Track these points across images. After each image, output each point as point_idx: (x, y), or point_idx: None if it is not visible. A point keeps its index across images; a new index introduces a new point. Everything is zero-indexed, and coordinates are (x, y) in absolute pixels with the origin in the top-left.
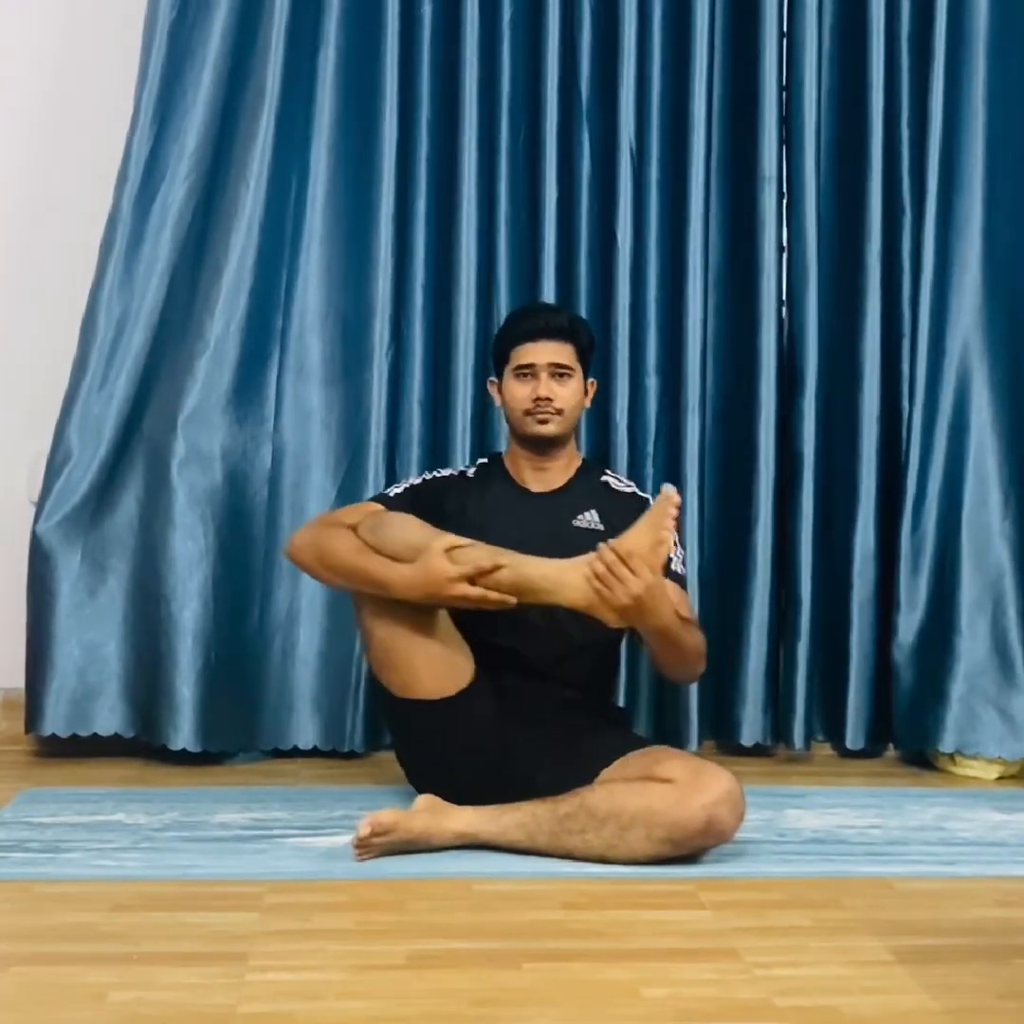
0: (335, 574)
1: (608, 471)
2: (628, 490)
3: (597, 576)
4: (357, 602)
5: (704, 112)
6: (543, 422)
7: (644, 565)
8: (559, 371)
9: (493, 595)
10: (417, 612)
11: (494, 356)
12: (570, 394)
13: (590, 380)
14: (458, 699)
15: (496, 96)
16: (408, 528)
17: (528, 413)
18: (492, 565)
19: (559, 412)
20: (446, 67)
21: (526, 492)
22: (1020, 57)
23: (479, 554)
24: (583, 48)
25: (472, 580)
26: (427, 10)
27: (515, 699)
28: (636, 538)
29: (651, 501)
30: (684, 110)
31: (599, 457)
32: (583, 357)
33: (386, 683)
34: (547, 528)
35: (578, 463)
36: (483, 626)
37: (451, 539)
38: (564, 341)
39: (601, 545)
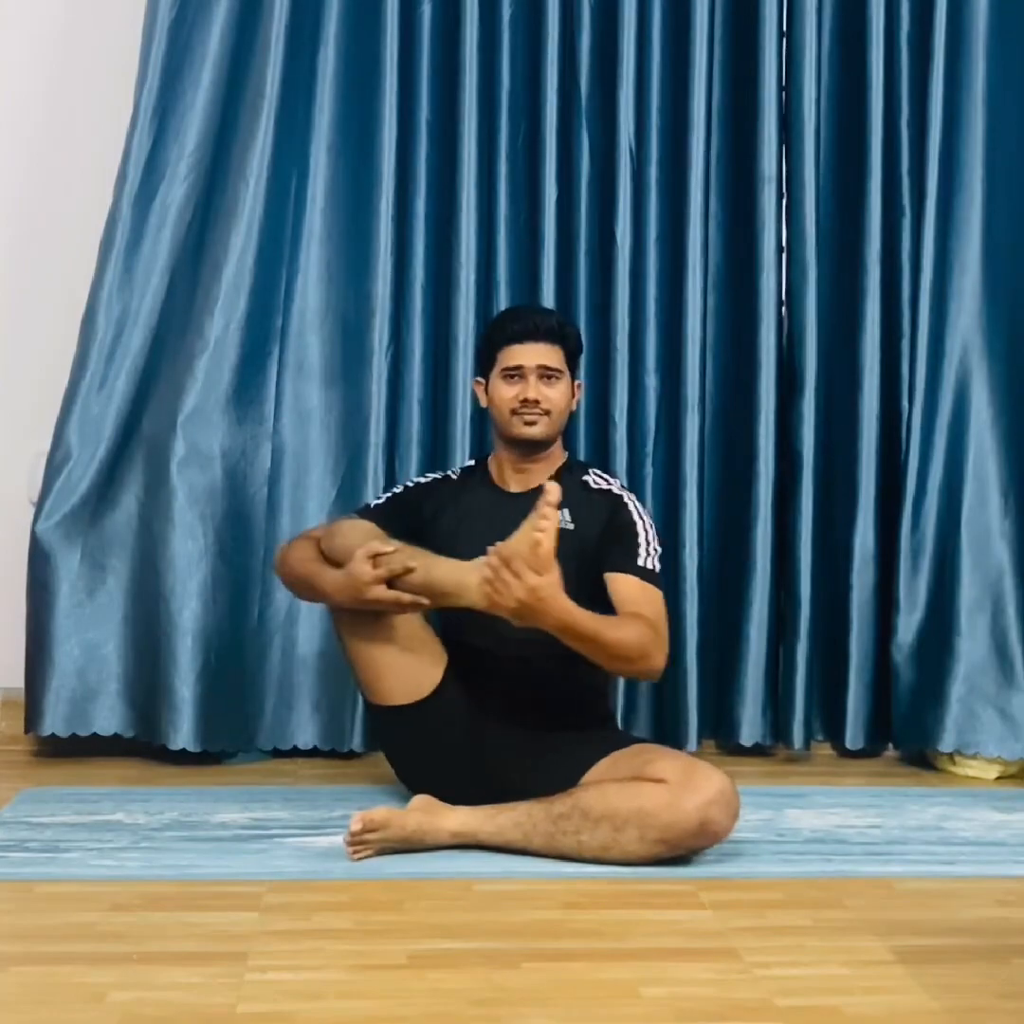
0: (296, 584)
1: (593, 470)
2: (604, 487)
3: (487, 580)
4: (332, 613)
5: (703, 112)
6: (530, 424)
7: (526, 568)
8: (548, 373)
9: (405, 598)
10: (380, 620)
11: (480, 356)
12: (558, 396)
13: (577, 382)
14: (424, 704)
15: (495, 96)
16: (355, 535)
17: (515, 413)
18: (402, 568)
19: (547, 413)
20: (446, 67)
21: (504, 493)
22: (1019, 58)
23: (398, 558)
24: (582, 48)
25: (392, 584)
26: (426, 10)
27: (490, 700)
28: (517, 541)
29: (625, 498)
30: (683, 110)
31: (598, 456)
32: (571, 359)
33: (359, 689)
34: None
35: (559, 463)
36: (458, 628)
37: (376, 545)
38: (553, 343)
39: (490, 548)
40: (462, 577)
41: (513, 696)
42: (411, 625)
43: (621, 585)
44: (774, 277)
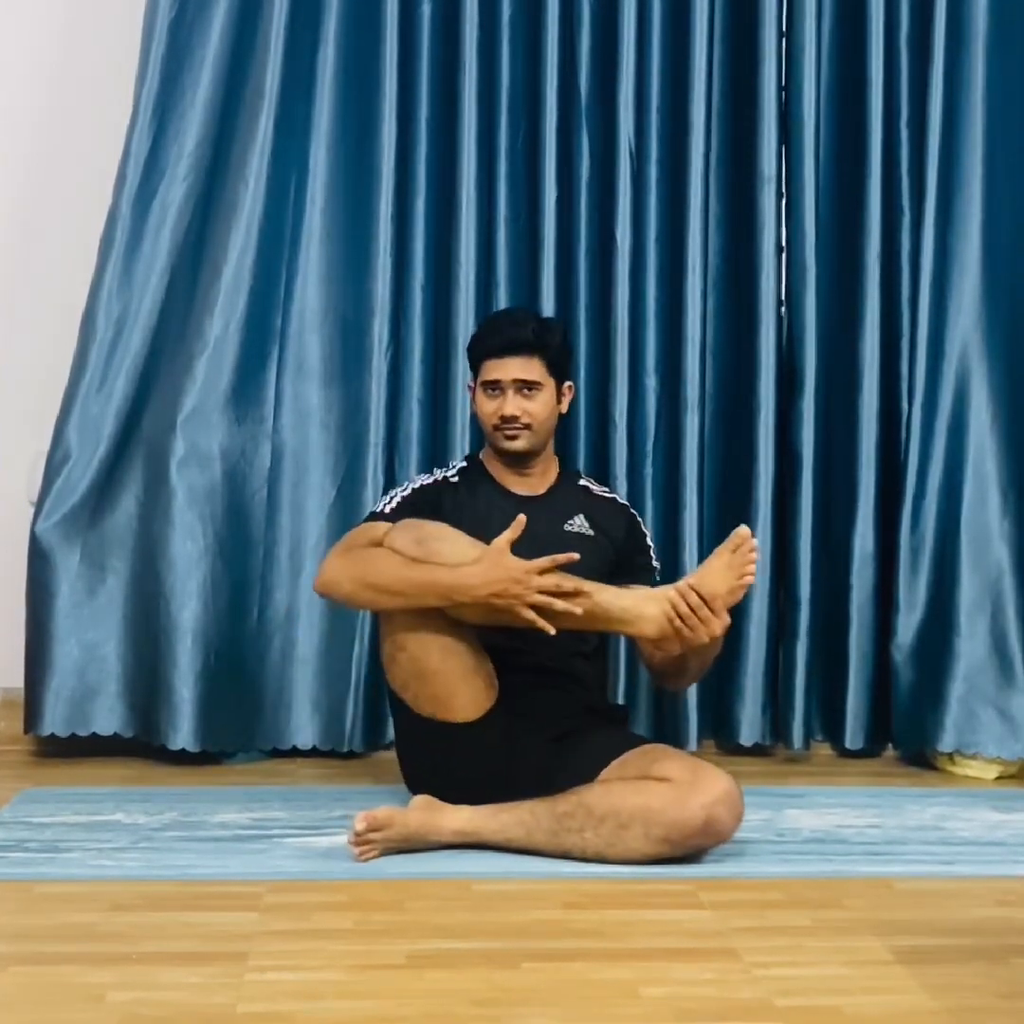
0: (384, 593)
1: (583, 476)
2: (608, 496)
3: (679, 616)
4: (386, 618)
5: (703, 112)
6: (511, 438)
7: (724, 607)
8: (526, 386)
9: (558, 604)
10: (450, 627)
11: (468, 361)
12: (539, 408)
13: (567, 384)
14: (485, 719)
15: (495, 96)
16: (460, 540)
17: (496, 428)
18: (574, 589)
19: (527, 427)
20: (445, 67)
21: (513, 495)
22: (1019, 57)
23: (555, 575)
24: (582, 48)
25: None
26: (426, 10)
27: (523, 703)
28: (716, 580)
29: (631, 510)
30: (683, 110)
31: (598, 456)
32: (555, 366)
33: (413, 699)
34: (539, 531)
35: (557, 468)
36: (487, 630)
37: (543, 561)
38: (530, 355)
39: (681, 584)
40: (640, 608)
41: (544, 697)
42: (472, 639)
43: None
44: (774, 277)
